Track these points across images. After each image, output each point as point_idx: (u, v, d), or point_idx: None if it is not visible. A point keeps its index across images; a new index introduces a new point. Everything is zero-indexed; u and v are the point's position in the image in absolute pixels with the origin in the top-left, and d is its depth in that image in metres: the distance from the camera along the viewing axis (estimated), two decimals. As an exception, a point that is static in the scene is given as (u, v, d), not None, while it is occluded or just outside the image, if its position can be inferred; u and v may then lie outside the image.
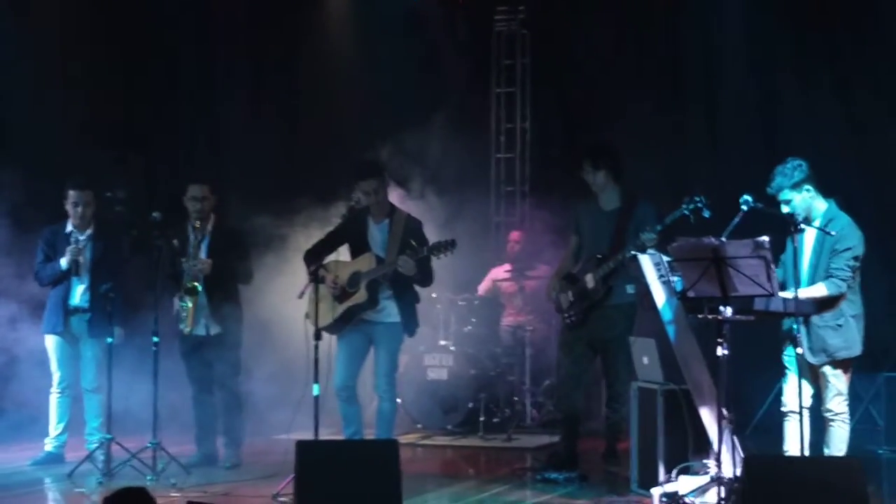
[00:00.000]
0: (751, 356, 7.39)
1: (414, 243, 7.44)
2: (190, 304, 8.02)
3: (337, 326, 7.58)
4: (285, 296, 7.97)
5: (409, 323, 7.74)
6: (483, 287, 10.84)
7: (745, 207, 6.30)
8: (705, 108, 10.56)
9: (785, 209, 6.46)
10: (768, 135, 9.99)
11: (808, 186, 6.48)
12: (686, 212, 7.08)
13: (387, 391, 7.69)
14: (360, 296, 7.54)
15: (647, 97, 10.39)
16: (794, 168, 6.46)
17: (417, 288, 7.85)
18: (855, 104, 9.98)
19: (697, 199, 7.02)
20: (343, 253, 7.84)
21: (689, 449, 6.72)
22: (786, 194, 6.46)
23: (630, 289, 7.66)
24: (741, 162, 9.60)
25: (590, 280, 7.67)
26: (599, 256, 7.67)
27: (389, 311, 7.64)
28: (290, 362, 8.03)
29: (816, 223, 6.49)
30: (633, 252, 7.27)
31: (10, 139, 9.75)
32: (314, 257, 7.63)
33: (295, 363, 7.61)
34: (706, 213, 7.00)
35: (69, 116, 10.00)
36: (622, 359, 7.57)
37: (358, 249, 7.69)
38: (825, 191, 6.60)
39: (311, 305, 7.25)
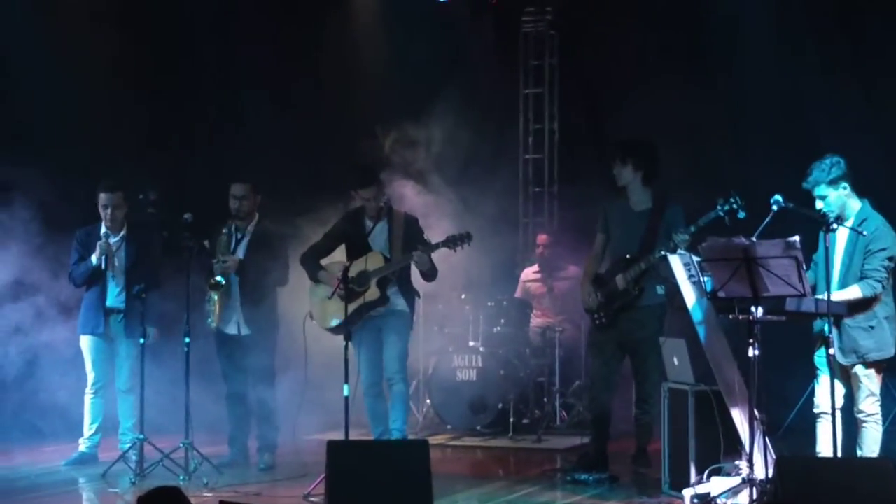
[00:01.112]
0: (783, 357, 7.35)
1: (426, 238, 7.65)
2: (216, 299, 8.09)
3: (348, 324, 7.61)
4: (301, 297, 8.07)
5: (412, 310, 7.97)
6: (519, 291, 10.85)
7: (775, 207, 6.27)
8: (733, 106, 10.51)
9: (819, 205, 6.44)
10: (796, 134, 9.93)
11: (844, 184, 6.46)
12: (721, 213, 7.05)
13: (398, 372, 7.84)
14: (373, 293, 7.71)
15: (674, 96, 10.35)
16: (831, 164, 6.44)
17: (441, 284, 7.98)
18: (884, 104, 9.92)
19: (733, 200, 6.98)
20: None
21: (720, 450, 6.70)
22: (821, 189, 6.44)
23: (660, 290, 7.65)
24: (769, 161, 9.56)
25: (620, 281, 7.65)
26: (629, 257, 7.65)
27: (396, 302, 7.84)
28: (301, 360, 8.08)
29: (849, 223, 6.47)
30: (663, 253, 7.27)
31: (41, 140, 9.83)
32: (311, 260, 7.88)
33: (303, 361, 7.71)
34: (741, 214, 6.96)
35: (100, 117, 10.06)
36: (652, 360, 7.56)
37: (357, 249, 7.81)
38: (858, 191, 6.57)
39: (320, 306, 7.33)
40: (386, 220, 7.86)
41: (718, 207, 7.03)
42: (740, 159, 10.33)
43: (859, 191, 6.62)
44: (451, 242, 7.58)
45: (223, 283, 8.05)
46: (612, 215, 7.91)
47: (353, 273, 7.61)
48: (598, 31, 11.23)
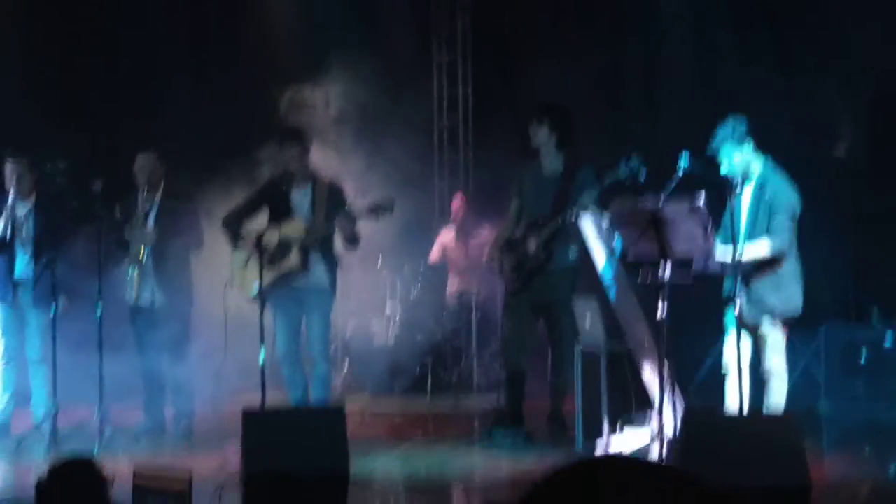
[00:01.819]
0: (694, 314, 7.49)
1: (347, 206, 7.56)
2: (136, 273, 8.02)
3: (270, 292, 7.59)
4: (215, 263, 8.02)
5: (334, 285, 7.85)
6: (434, 254, 10.88)
7: (680, 172, 6.36)
8: (646, 69, 10.62)
9: (724, 167, 6.54)
10: (708, 95, 10.06)
11: (748, 142, 6.57)
12: (622, 176, 7.15)
13: (322, 353, 7.82)
14: (293, 261, 7.62)
15: (588, 59, 10.41)
16: (734, 124, 6.55)
17: (360, 248, 7.94)
18: (794, 66, 10.08)
19: (633, 163, 7.09)
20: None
21: (632, 407, 6.83)
22: (727, 149, 6.54)
23: (572, 253, 7.71)
24: (680, 120, 9.69)
25: (532, 244, 7.71)
26: (540, 221, 7.70)
27: (318, 276, 7.73)
28: (218, 327, 8.07)
29: (751, 183, 6.59)
30: (574, 215, 7.34)
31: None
32: (233, 222, 7.77)
33: (222, 328, 7.66)
34: (641, 178, 7.07)
35: (7, 86, 9.88)
36: (565, 322, 7.64)
37: (279, 214, 7.75)
38: (763, 149, 6.70)
39: (240, 273, 7.28)
40: (310, 185, 7.80)
41: (620, 169, 7.13)
42: (653, 120, 10.45)
43: (769, 149, 6.74)
44: (374, 210, 7.52)
45: (143, 257, 7.98)
46: (525, 180, 7.95)
47: (273, 239, 7.57)
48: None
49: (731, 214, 6.39)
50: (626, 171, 7.09)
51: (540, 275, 7.72)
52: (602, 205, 7.11)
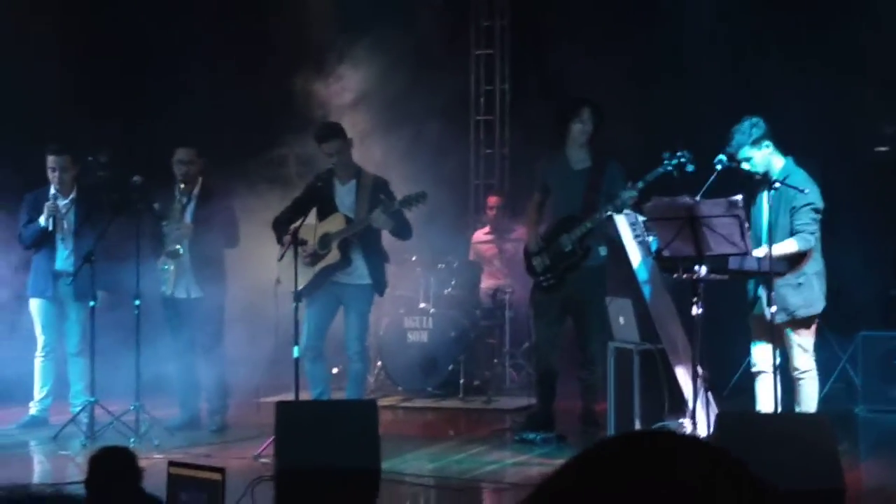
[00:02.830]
0: (729, 316, 7.46)
1: (384, 198, 7.52)
2: (172, 267, 8.08)
3: (311, 289, 7.64)
4: (262, 261, 8.04)
5: (379, 282, 7.84)
6: (472, 255, 10.88)
7: (719, 167, 6.35)
8: (681, 66, 10.54)
9: (745, 167, 6.51)
10: (743, 95, 9.99)
11: (766, 143, 6.52)
12: (669, 167, 7.05)
13: (358, 352, 7.80)
14: (333, 256, 7.63)
15: (626, 59, 10.38)
16: (752, 125, 6.50)
17: (392, 248, 7.92)
18: (833, 63, 10.00)
19: (680, 154, 7.00)
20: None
21: (664, 408, 6.81)
22: (745, 152, 6.49)
23: (602, 251, 7.63)
24: (717, 119, 9.63)
25: (566, 241, 7.60)
26: (572, 217, 7.58)
27: (360, 271, 7.73)
28: (267, 325, 8.11)
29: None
30: (610, 212, 7.29)
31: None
32: (283, 224, 7.72)
33: (270, 326, 7.69)
34: (690, 168, 6.97)
35: (48, 81, 9.97)
36: (596, 321, 7.58)
37: (325, 212, 7.76)
38: (796, 151, 6.65)
39: (286, 270, 7.32)
40: (355, 181, 7.80)
41: (666, 162, 7.04)
42: (689, 117, 10.38)
43: (806, 153, 6.70)
44: (406, 202, 7.52)
45: (182, 251, 8.04)
46: (550, 174, 7.84)
47: (315, 236, 7.60)
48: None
49: (769, 210, 6.33)
50: (673, 162, 6.98)
51: (574, 272, 7.64)
52: (636, 202, 7.05)
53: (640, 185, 7.23)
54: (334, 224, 7.68)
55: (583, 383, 7.83)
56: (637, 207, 6.87)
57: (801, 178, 6.52)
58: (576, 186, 7.65)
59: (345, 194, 7.77)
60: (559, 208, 7.75)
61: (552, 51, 11.24)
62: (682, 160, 7.00)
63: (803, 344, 6.57)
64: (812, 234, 6.44)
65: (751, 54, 10.24)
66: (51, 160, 8.36)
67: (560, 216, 7.73)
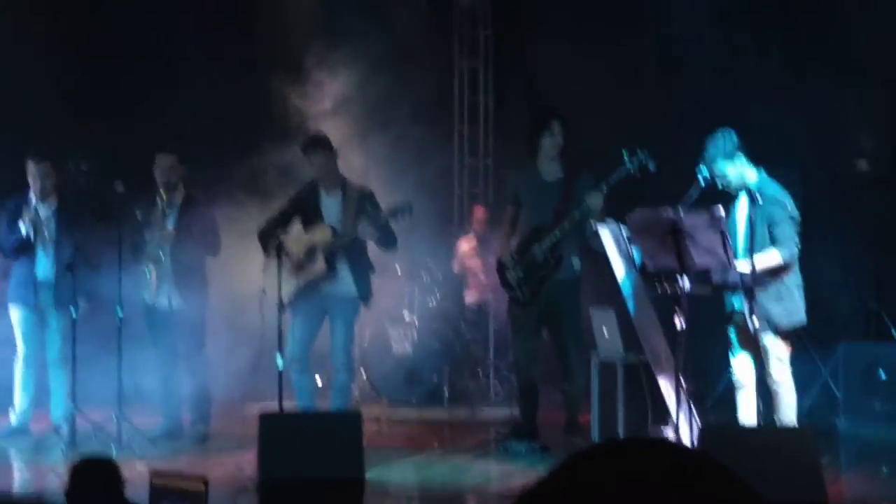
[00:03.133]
0: (712, 329, 7.48)
1: (370, 209, 7.52)
2: (153, 272, 8.05)
3: (297, 300, 7.64)
4: (241, 269, 8.03)
5: (365, 293, 7.85)
6: (457, 266, 10.87)
7: (700, 178, 6.36)
8: (667, 75, 10.58)
9: (720, 183, 6.52)
10: (727, 101, 10.01)
11: (739, 155, 6.53)
12: (631, 170, 7.10)
13: (344, 363, 7.79)
14: (320, 267, 7.63)
15: (609, 67, 10.40)
16: (724, 138, 6.50)
17: (375, 259, 7.93)
18: (807, 72, 10.04)
19: (640, 153, 7.05)
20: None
21: (648, 419, 6.82)
22: (720, 167, 6.50)
23: (576, 262, 7.62)
24: (697, 127, 9.67)
25: (537, 252, 7.57)
26: (541, 227, 7.56)
27: (346, 281, 7.73)
28: (252, 335, 8.10)
29: (745, 195, 6.56)
30: (578, 218, 7.28)
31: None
32: (268, 234, 7.71)
33: (255, 336, 7.67)
34: (651, 167, 7.02)
35: (30, 85, 9.94)
36: (572, 332, 7.60)
37: (311, 222, 7.75)
38: (775, 161, 6.68)
39: (271, 280, 7.31)
40: (340, 191, 7.81)
41: (627, 163, 7.07)
42: (674, 128, 10.41)
43: (784, 161, 6.73)
44: (392, 213, 7.53)
45: (164, 257, 8.02)
46: (522, 187, 7.82)
47: (301, 247, 7.60)
48: (532, 2, 11.22)
49: (751, 223, 6.36)
50: (634, 164, 7.04)
51: (545, 284, 7.60)
52: (610, 212, 7.05)
53: (604, 187, 7.26)
54: (321, 235, 7.68)
55: (564, 395, 7.83)
56: (616, 216, 6.86)
57: (775, 189, 6.54)
58: (548, 198, 7.63)
59: (330, 205, 7.77)
60: (532, 220, 7.71)
61: (536, 61, 11.27)
62: (642, 160, 7.04)
63: (780, 355, 6.58)
64: (795, 244, 6.47)
65: (733, 61, 10.27)
66: (31, 167, 8.32)
67: (531, 228, 7.69)
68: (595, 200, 7.23)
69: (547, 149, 7.67)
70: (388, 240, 7.75)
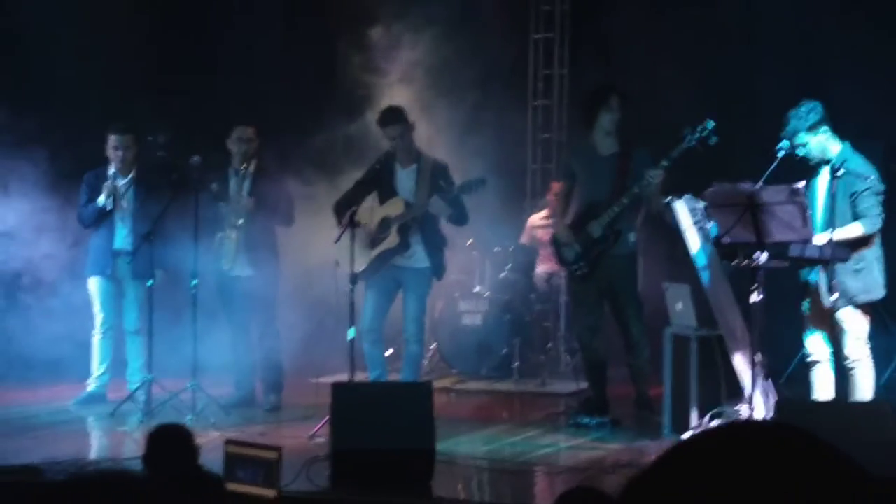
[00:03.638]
0: (786, 304, 7.38)
1: (443, 184, 7.49)
2: (229, 244, 8.13)
3: (369, 272, 7.67)
4: (317, 240, 8.07)
5: (438, 267, 7.86)
6: (524, 239, 10.84)
7: (781, 153, 6.28)
8: (744, 56, 10.41)
9: (800, 152, 6.41)
10: (808, 80, 9.85)
11: (823, 128, 6.41)
12: (693, 142, 7.02)
13: (415, 335, 7.82)
14: (392, 240, 7.65)
15: (686, 45, 10.27)
16: (808, 110, 6.39)
17: (449, 231, 7.92)
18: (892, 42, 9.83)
19: (701, 127, 6.96)
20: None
21: (721, 394, 6.76)
22: (801, 137, 6.39)
23: (632, 237, 7.59)
24: (779, 106, 9.51)
25: (595, 228, 7.52)
26: (599, 202, 7.52)
27: (419, 255, 7.74)
28: (324, 307, 8.15)
29: (826, 168, 6.44)
30: (637, 193, 7.25)
31: (52, 85, 9.85)
32: (344, 207, 7.72)
33: (328, 308, 7.72)
34: (712, 140, 6.93)
35: (110, 60, 10.07)
36: (632, 306, 7.57)
37: (386, 195, 7.76)
38: (866, 134, 6.55)
39: (345, 253, 7.34)
40: (416, 165, 7.81)
41: (688, 137, 7.00)
42: (753, 101, 10.25)
43: (871, 135, 6.59)
44: (465, 189, 7.53)
45: (243, 224, 8.09)
46: (578, 162, 7.77)
47: (375, 220, 7.63)
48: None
49: (832, 198, 6.25)
50: (695, 136, 6.96)
51: (605, 259, 7.56)
52: (674, 186, 6.98)
53: (665, 163, 7.19)
54: (394, 208, 7.69)
55: (630, 368, 7.80)
56: (692, 192, 6.79)
57: (859, 162, 6.42)
58: (604, 173, 7.56)
59: (405, 178, 7.77)
60: (588, 195, 7.65)
61: (612, 35, 11.15)
62: (703, 134, 6.96)
63: (858, 332, 6.45)
64: (878, 215, 6.34)
65: (818, 33, 10.07)
66: (113, 139, 8.44)
67: (588, 202, 7.64)
68: (655, 174, 7.17)
69: (604, 123, 7.59)
70: (459, 216, 7.74)
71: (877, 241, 6.44)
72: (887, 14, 9.94)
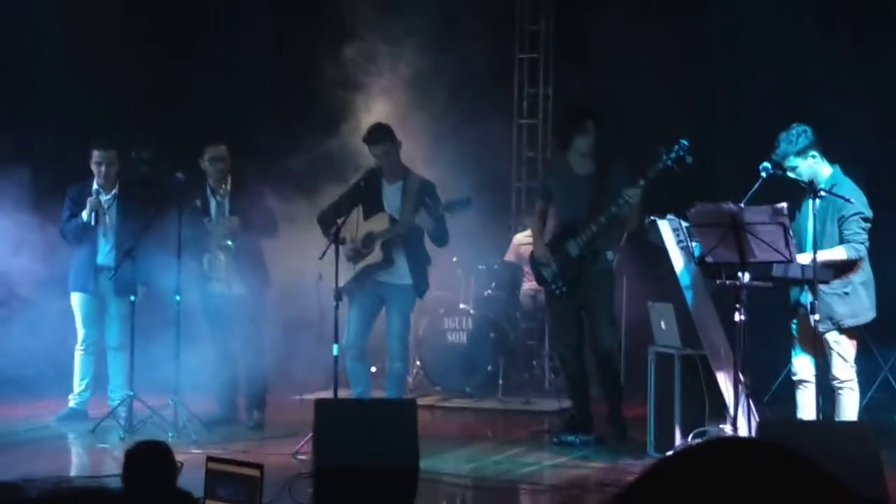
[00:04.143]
0: (770, 323, 7.39)
1: (428, 202, 7.51)
2: (213, 261, 8.11)
3: (352, 287, 7.65)
4: (300, 255, 8.06)
5: (421, 284, 7.85)
6: (510, 257, 10.84)
7: (764, 174, 6.29)
8: (728, 77, 10.47)
9: (790, 175, 6.43)
10: (791, 104, 9.90)
11: (812, 152, 6.43)
12: (669, 162, 7.06)
13: (399, 352, 7.80)
14: (376, 255, 7.65)
15: (670, 64, 10.32)
16: (798, 134, 6.41)
17: (431, 250, 7.92)
18: (880, 70, 9.90)
19: (677, 146, 7.00)
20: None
21: (705, 414, 6.76)
22: (791, 161, 6.41)
23: (609, 255, 7.64)
24: (762, 127, 9.56)
25: (573, 247, 7.57)
26: (575, 222, 7.57)
27: (402, 272, 7.73)
28: (306, 323, 8.13)
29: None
30: (614, 213, 7.27)
31: (38, 100, 9.83)
32: (328, 219, 7.72)
33: (312, 324, 7.70)
34: (689, 160, 6.98)
35: (94, 77, 10.06)
36: (605, 324, 7.62)
37: (371, 210, 7.75)
38: (849, 157, 6.57)
39: (328, 267, 7.33)
40: (402, 182, 7.80)
41: (664, 157, 7.04)
42: (734, 126, 10.31)
43: (854, 158, 6.62)
44: (451, 207, 7.52)
45: (232, 246, 8.07)
46: (554, 182, 7.82)
47: (360, 234, 7.62)
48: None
49: (813, 219, 6.27)
50: (671, 156, 7.00)
51: (583, 276, 7.60)
52: (652, 206, 7.01)
53: (642, 183, 7.23)
54: (379, 223, 7.68)
55: (603, 385, 7.85)
56: (678, 213, 6.81)
57: (848, 187, 6.44)
58: (581, 192, 7.60)
59: (391, 195, 7.77)
60: (565, 214, 7.70)
61: (596, 55, 11.20)
62: (680, 153, 7.00)
63: (844, 354, 6.47)
64: (862, 243, 6.36)
65: (801, 57, 10.14)
66: (97, 154, 8.41)
67: (565, 222, 7.68)
68: (633, 193, 7.20)
69: (580, 146, 7.62)
70: (441, 235, 7.72)
71: (864, 265, 6.46)
72: (869, 38, 10.02)
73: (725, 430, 6.46)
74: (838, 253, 6.34)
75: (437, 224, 7.58)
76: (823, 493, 1.37)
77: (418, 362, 10.11)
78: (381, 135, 7.79)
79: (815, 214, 6.34)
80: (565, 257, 7.62)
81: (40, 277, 8.79)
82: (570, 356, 7.83)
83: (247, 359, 8.30)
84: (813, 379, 6.45)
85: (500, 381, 9.68)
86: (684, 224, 6.62)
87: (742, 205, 6.11)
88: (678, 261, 6.74)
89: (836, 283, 6.37)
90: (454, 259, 10.14)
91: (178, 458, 4.40)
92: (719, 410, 6.66)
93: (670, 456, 1.44)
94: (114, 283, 8.35)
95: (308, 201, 8.68)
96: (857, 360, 6.62)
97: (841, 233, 6.35)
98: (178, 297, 7.84)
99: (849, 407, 6.47)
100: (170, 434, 7.47)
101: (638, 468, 6.72)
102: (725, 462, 1.38)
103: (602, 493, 6.16)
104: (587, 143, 7.59)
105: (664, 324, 7.09)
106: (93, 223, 8.35)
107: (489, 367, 9.82)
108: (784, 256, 6.03)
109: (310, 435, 6.47)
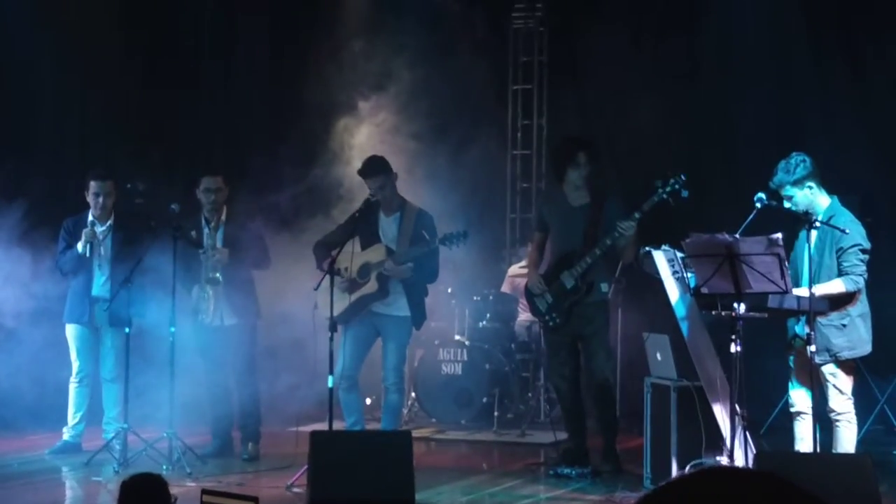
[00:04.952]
0: (767, 355, 7.39)
1: (425, 234, 7.50)
2: (206, 293, 8.09)
3: (347, 317, 7.63)
4: (296, 286, 8.05)
5: (418, 316, 7.83)
6: (506, 288, 10.84)
7: (759, 205, 6.29)
8: (721, 107, 10.51)
9: (786, 205, 6.43)
10: (786, 131, 9.94)
11: (810, 183, 6.42)
12: (664, 195, 7.08)
13: (395, 384, 7.77)
14: (371, 286, 7.63)
15: (663, 94, 10.36)
16: (797, 164, 6.40)
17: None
18: (873, 100, 9.95)
19: (673, 180, 7.01)
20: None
21: (702, 446, 6.73)
22: (788, 190, 6.40)
23: (604, 287, 7.66)
24: (756, 157, 9.59)
25: (567, 279, 7.60)
26: (570, 254, 7.60)
27: (399, 303, 7.71)
28: (302, 354, 8.11)
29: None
30: (610, 244, 7.29)
31: (33, 133, 9.84)
32: (325, 249, 7.70)
33: (306, 355, 7.68)
34: (684, 194, 7.01)
35: (89, 109, 10.08)
36: (601, 355, 7.63)
37: (368, 241, 7.74)
38: (842, 187, 6.57)
39: (323, 297, 7.31)
40: (399, 213, 7.80)
41: (660, 190, 7.06)
42: (729, 158, 10.35)
43: (850, 188, 6.61)
44: (448, 240, 7.50)
45: (220, 278, 8.06)
46: (549, 213, 7.86)
47: (356, 265, 7.60)
48: (587, 28, 11.22)
49: (809, 250, 6.27)
50: (667, 189, 7.03)
51: (578, 308, 7.62)
52: (647, 237, 7.04)
53: (637, 215, 7.26)
54: (375, 254, 7.67)
55: (598, 420, 7.85)
56: (673, 244, 6.82)
57: (846, 218, 6.42)
58: (576, 223, 7.64)
59: (388, 226, 7.76)
60: (560, 246, 7.74)
61: (589, 86, 11.25)
62: (676, 186, 7.03)
63: (841, 386, 6.43)
64: (860, 275, 6.34)
65: (795, 88, 10.19)
66: (94, 185, 8.40)
67: (560, 254, 7.70)
68: (627, 226, 7.22)
69: (573, 179, 7.69)
70: (428, 267, 7.71)
71: (861, 297, 6.44)
72: (863, 69, 10.08)
73: (722, 461, 6.43)
74: (836, 286, 6.33)
75: (425, 258, 7.56)
76: None
77: (413, 394, 10.08)
78: (376, 167, 7.80)
79: (813, 245, 6.34)
80: (560, 289, 7.64)
81: (32, 309, 8.76)
82: (566, 388, 7.82)
83: (241, 390, 8.28)
84: (810, 411, 6.43)
85: (496, 413, 9.65)
86: (679, 255, 6.62)
87: (737, 235, 6.11)
88: (673, 292, 6.73)
89: (833, 314, 6.35)
90: (449, 290, 10.14)
91: (173, 491, 4.37)
92: (716, 442, 6.63)
93: (664, 485, 1.43)
94: (109, 314, 8.33)
95: (299, 233, 8.69)
96: (854, 392, 6.61)
97: (839, 264, 6.34)
98: (172, 329, 7.81)
99: (846, 439, 6.44)
100: (164, 467, 7.42)
101: (634, 501, 6.69)
102: (719, 492, 1.37)
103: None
104: (580, 175, 7.65)
105: (660, 355, 7.08)
106: (88, 254, 8.34)
107: (484, 399, 9.79)
108: (779, 287, 6.02)
109: (305, 467, 6.44)
